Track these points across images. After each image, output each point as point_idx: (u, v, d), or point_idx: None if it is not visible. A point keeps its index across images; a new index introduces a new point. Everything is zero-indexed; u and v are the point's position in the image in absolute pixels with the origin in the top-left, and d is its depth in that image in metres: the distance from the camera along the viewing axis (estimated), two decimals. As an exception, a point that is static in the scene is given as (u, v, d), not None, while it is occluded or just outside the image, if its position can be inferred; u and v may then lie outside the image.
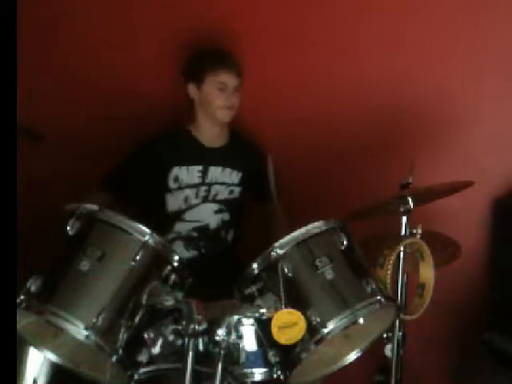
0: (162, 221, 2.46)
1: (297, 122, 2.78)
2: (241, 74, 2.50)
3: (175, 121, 2.63)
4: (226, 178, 2.54)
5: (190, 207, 2.51)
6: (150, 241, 1.74)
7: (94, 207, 1.76)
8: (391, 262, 2.02)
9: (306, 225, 1.82)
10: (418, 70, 2.74)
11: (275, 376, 1.80)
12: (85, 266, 1.68)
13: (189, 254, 2.49)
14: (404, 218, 2.13)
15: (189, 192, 2.51)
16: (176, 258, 1.79)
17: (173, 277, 1.79)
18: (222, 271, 2.37)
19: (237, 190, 2.56)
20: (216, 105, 2.47)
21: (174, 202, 2.50)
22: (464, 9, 2.70)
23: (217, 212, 2.53)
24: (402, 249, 2.09)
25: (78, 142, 2.78)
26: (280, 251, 1.78)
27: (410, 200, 2.10)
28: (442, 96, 2.73)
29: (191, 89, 2.51)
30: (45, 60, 2.79)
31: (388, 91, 2.75)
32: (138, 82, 2.78)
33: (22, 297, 1.67)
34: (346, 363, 1.87)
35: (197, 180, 2.52)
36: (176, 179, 2.50)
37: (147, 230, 1.74)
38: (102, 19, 2.79)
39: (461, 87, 2.74)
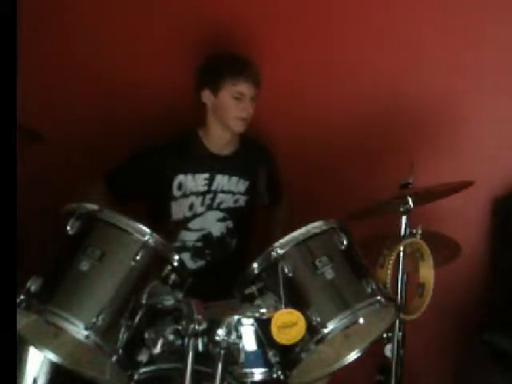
0: (167, 229, 2.39)
1: (296, 122, 2.78)
2: (259, 83, 2.42)
3: (177, 121, 2.62)
4: (232, 187, 2.48)
5: (196, 215, 2.45)
6: (150, 241, 1.73)
7: (94, 207, 1.75)
8: (391, 262, 2.01)
9: (305, 225, 1.81)
10: (418, 70, 2.74)
11: (275, 376, 1.80)
12: (85, 265, 1.68)
13: (196, 264, 2.46)
14: (404, 218, 2.13)
15: (194, 199, 2.44)
16: (176, 257, 1.79)
17: (173, 277, 1.79)
18: (227, 277, 2.36)
19: (242, 198, 2.50)
20: (231, 115, 2.40)
21: (178, 210, 2.44)
22: (466, 9, 2.70)
23: (220, 220, 2.48)
24: (401, 249, 2.09)
25: (78, 141, 2.77)
26: (280, 251, 1.77)
27: (410, 200, 2.10)
28: (442, 96, 2.73)
29: (205, 94, 2.42)
30: (45, 60, 2.79)
31: (388, 91, 2.76)
32: (139, 82, 2.77)
33: (22, 297, 1.67)
34: (346, 363, 1.86)
35: (203, 188, 2.45)
36: (180, 187, 2.42)
37: (147, 230, 1.73)
38: (106, 16, 2.78)
39: (461, 88, 2.74)
